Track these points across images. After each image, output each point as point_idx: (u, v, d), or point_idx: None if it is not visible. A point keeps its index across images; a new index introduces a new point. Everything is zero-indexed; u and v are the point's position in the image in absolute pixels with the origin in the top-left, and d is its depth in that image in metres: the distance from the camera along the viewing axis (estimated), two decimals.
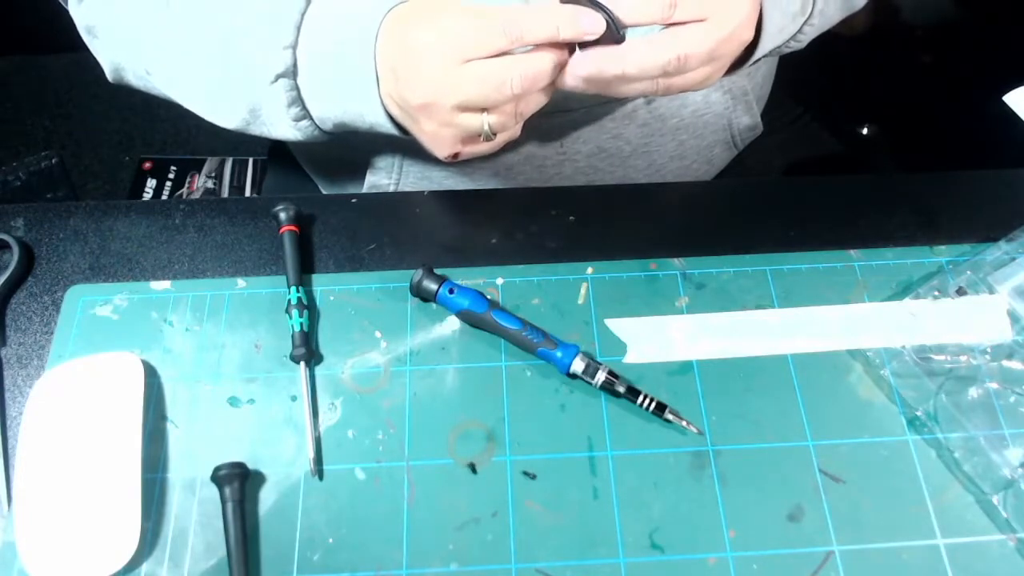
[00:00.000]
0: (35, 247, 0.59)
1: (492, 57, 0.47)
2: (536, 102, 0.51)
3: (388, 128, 0.55)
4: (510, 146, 0.67)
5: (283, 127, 0.57)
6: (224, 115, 0.59)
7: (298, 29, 0.53)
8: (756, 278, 0.57)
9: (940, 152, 1.16)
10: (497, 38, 0.46)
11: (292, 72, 0.54)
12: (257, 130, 0.59)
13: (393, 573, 0.47)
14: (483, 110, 0.49)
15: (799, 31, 0.61)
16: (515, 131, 0.53)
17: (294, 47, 0.53)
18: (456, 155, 0.54)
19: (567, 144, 0.68)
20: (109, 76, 0.64)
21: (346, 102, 0.54)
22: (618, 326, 0.55)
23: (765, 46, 0.57)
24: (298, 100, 0.55)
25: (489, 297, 0.54)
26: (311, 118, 0.56)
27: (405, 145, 0.68)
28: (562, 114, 0.66)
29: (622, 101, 0.66)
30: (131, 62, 0.61)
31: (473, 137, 0.51)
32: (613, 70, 0.48)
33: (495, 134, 0.51)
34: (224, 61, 0.56)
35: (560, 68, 0.49)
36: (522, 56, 0.47)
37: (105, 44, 0.62)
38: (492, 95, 0.47)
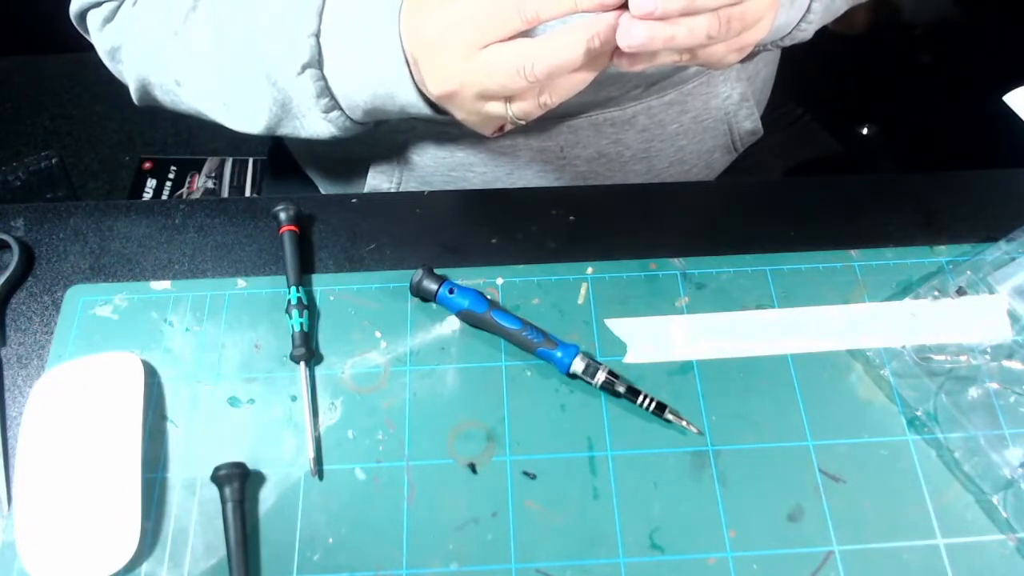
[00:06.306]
0: (35, 247, 0.59)
1: (510, 40, 0.44)
2: (570, 86, 0.46)
3: (421, 107, 0.52)
4: (511, 150, 0.67)
5: (314, 120, 0.57)
6: (253, 117, 0.58)
7: (320, 15, 0.53)
8: (756, 278, 0.57)
9: (940, 152, 1.16)
10: (511, 19, 0.43)
11: (318, 62, 0.53)
12: (289, 126, 0.58)
13: (393, 573, 0.47)
14: (506, 98, 0.47)
15: (796, 27, 0.60)
16: (551, 101, 0.48)
17: (317, 35, 0.53)
18: (501, 128, 0.51)
19: (567, 149, 0.68)
20: (135, 97, 0.63)
21: (375, 84, 0.53)
22: (618, 326, 0.55)
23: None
24: (326, 91, 0.55)
25: (489, 297, 0.54)
26: (341, 108, 0.56)
27: (406, 151, 0.68)
28: (562, 119, 0.66)
29: (622, 106, 0.66)
30: (158, 76, 0.60)
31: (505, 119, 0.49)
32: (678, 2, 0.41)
33: (522, 121, 0.48)
34: (250, 59, 0.55)
35: (594, 49, 0.43)
36: (540, 39, 0.44)
37: (130, 63, 0.61)
38: (509, 84, 0.45)
